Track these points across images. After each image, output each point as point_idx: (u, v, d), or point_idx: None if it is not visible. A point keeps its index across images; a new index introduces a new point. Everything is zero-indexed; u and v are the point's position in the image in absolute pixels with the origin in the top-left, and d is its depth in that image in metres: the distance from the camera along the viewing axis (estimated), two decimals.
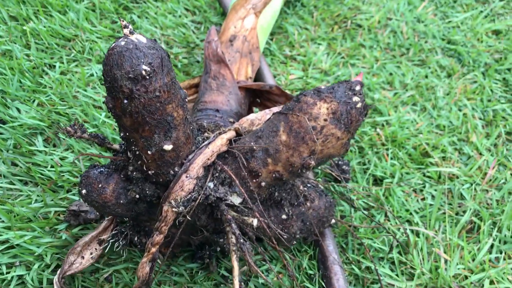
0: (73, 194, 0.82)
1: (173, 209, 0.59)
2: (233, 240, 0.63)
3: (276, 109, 0.73)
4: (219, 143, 0.63)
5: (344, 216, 0.85)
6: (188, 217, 0.60)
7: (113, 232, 0.74)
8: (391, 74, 1.10)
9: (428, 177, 0.91)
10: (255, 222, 0.65)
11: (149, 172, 0.61)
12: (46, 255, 0.74)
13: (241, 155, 0.63)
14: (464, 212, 0.86)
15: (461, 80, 1.10)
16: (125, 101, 0.54)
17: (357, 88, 0.63)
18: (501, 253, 0.82)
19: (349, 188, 0.87)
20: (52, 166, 0.84)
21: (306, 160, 0.62)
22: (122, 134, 0.58)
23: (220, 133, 0.65)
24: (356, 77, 0.67)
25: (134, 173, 0.62)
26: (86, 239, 0.73)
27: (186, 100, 0.59)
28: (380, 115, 1.00)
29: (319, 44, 1.15)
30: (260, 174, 0.63)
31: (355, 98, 0.62)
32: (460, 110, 1.04)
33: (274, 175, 0.63)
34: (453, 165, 0.93)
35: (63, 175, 0.83)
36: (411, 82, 1.08)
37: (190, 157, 0.61)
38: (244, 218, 0.64)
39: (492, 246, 0.83)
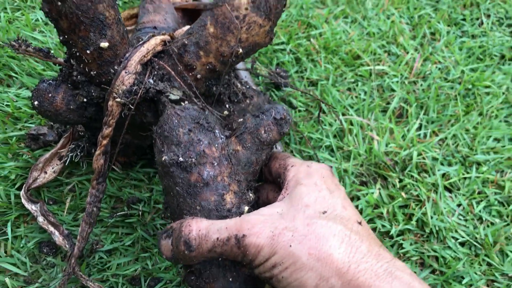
0: (31, 123, 0.87)
1: (116, 100, 0.65)
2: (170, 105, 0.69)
3: None
4: (154, 42, 0.69)
5: None
6: (132, 109, 0.66)
7: (71, 146, 0.80)
8: None
9: (360, 75, 0.99)
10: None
11: (92, 73, 0.66)
12: (11, 176, 0.79)
13: (175, 50, 0.69)
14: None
15: None
16: (59, 3, 0.60)
17: None
18: (427, 131, 0.91)
19: (288, 91, 0.95)
20: (8, 102, 0.89)
21: (234, 48, 0.69)
22: (61, 38, 0.64)
23: (154, 35, 0.71)
24: None
25: (79, 77, 0.68)
26: (47, 155, 0.79)
27: (116, 2, 0.65)
28: (314, 29, 1.07)
29: None
30: (195, 67, 0.70)
31: None
32: (388, 18, 1.12)
33: (208, 67, 0.70)
34: (383, 64, 1.02)
35: (20, 108, 0.88)
36: None
37: (127, 55, 0.67)
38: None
39: (420, 126, 0.92)
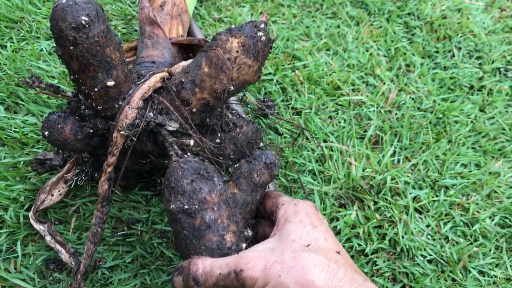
0: (38, 149, 0.94)
1: (121, 132, 0.73)
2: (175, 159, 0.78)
3: None
4: (154, 80, 0.78)
5: (272, 142, 1.01)
6: (134, 140, 0.74)
7: (76, 171, 0.88)
8: (307, 27, 1.26)
9: (340, 105, 1.08)
10: (191, 142, 0.80)
11: (98, 107, 0.74)
12: (20, 198, 0.87)
13: (173, 87, 0.77)
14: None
15: (368, 26, 1.27)
16: (71, 48, 0.68)
17: (261, 26, 0.78)
18: (400, 157, 1.00)
19: (274, 120, 1.03)
20: (15, 128, 0.96)
21: (226, 86, 0.77)
22: (72, 77, 0.72)
23: (154, 73, 0.79)
24: (261, 18, 0.82)
25: (86, 111, 0.76)
26: (54, 179, 0.86)
27: (121, 45, 0.74)
28: (299, 61, 1.16)
29: (243, 7, 1.30)
30: (190, 102, 0.78)
31: (260, 33, 0.77)
32: (367, 50, 1.22)
33: (202, 102, 0.78)
34: (361, 94, 1.11)
35: (27, 134, 0.96)
36: (325, 32, 1.24)
37: (130, 92, 0.76)
38: (183, 141, 0.79)
39: (394, 153, 1.01)
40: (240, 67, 0.77)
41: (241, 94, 1.07)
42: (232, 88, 0.78)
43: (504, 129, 1.09)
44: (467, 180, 0.98)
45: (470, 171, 1.00)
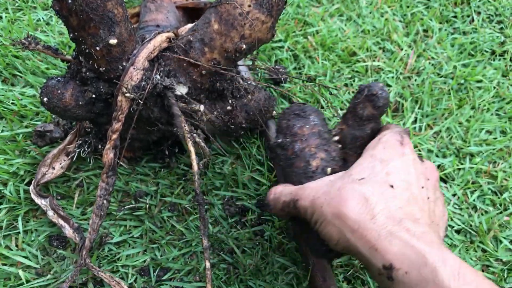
0: (37, 121, 0.89)
1: (126, 95, 0.67)
2: (186, 127, 0.72)
3: None
4: (160, 39, 0.72)
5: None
6: (141, 104, 0.69)
7: (78, 142, 0.82)
8: None
9: (357, 71, 1.02)
10: (201, 107, 0.74)
11: (100, 69, 0.69)
12: (20, 172, 0.81)
13: (181, 46, 0.72)
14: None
15: None
16: (69, 1, 0.62)
17: None
18: (422, 124, 0.94)
19: (287, 87, 0.97)
20: (13, 101, 0.91)
21: (238, 44, 0.71)
22: (71, 35, 0.66)
23: (159, 32, 0.73)
24: None
25: (88, 73, 0.70)
26: (55, 151, 0.81)
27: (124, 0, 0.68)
28: (311, 27, 1.10)
29: None
30: (200, 63, 0.72)
31: None
32: (382, 16, 1.15)
33: (212, 63, 0.72)
34: (378, 61, 1.05)
35: (25, 106, 0.90)
36: None
37: (135, 52, 0.70)
38: (192, 106, 0.74)
39: (415, 120, 0.95)
40: (253, 23, 0.71)
41: (250, 62, 1.01)
42: (244, 46, 0.72)
43: None
44: (492, 147, 0.92)
45: (496, 138, 0.94)
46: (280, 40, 1.06)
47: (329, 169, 0.65)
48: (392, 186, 0.55)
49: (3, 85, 0.94)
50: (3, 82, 0.95)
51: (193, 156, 0.69)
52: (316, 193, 0.58)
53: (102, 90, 0.71)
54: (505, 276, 0.77)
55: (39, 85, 0.94)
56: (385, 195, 0.54)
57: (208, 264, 0.66)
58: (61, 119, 0.86)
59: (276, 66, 0.99)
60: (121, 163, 0.85)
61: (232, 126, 0.83)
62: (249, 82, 0.86)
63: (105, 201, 0.71)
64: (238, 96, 0.82)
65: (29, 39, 0.70)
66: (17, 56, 0.98)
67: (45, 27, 1.05)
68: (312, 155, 0.66)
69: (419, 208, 0.55)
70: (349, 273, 0.77)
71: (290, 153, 0.67)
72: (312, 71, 1.00)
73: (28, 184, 0.81)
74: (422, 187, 0.57)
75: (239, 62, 0.94)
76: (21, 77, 0.95)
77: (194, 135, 0.73)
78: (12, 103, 0.90)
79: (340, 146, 0.68)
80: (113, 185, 0.71)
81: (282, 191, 0.64)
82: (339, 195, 0.55)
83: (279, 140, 0.69)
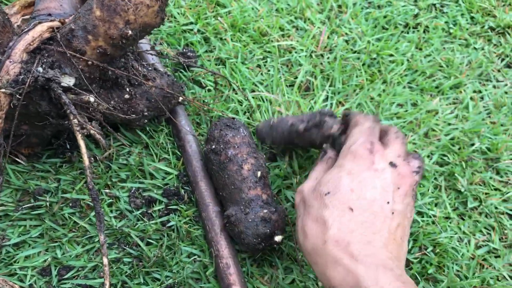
0: None
1: (2, 90, 0.64)
2: (75, 121, 0.69)
3: None
4: (40, 29, 0.68)
5: (195, 96, 0.93)
6: (20, 99, 0.65)
7: None
8: None
9: (269, 52, 1.01)
10: (91, 98, 0.71)
11: None
12: None
13: (63, 35, 0.68)
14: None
15: None
16: None
17: None
18: (333, 101, 0.94)
19: (196, 71, 0.95)
20: None
21: (123, 30, 0.68)
22: None
23: (40, 22, 0.69)
24: None
25: None
26: None
27: None
28: (223, 8, 1.08)
29: None
30: (85, 52, 0.69)
31: None
32: None
33: (98, 51, 0.69)
34: (291, 40, 1.04)
35: None
36: None
37: (11, 44, 0.66)
38: (82, 97, 0.71)
39: (326, 98, 0.95)
40: (137, 7, 0.68)
41: (160, 47, 0.98)
42: (130, 32, 0.69)
43: (441, 66, 1.03)
44: (403, 120, 0.93)
45: (406, 111, 0.95)
46: (191, 23, 1.03)
47: (259, 173, 0.75)
48: (351, 209, 0.57)
49: None
50: None
51: (83, 150, 0.67)
52: (303, 191, 0.64)
53: None
54: None
55: None
56: (342, 219, 0.56)
57: (105, 260, 0.64)
58: None
59: (184, 49, 0.96)
60: (19, 160, 0.81)
61: (133, 115, 0.80)
62: (149, 69, 0.83)
63: None
64: (136, 83, 0.80)
65: None
66: None
67: None
68: (244, 160, 0.75)
69: (375, 228, 0.56)
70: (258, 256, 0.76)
71: (224, 158, 0.76)
72: (223, 54, 0.98)
73: None
74: (388, 202, 0.58)
75: (145, 48, 0.91)
76: None
77: (89, 127, 0.70)
78: None
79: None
80: (1, 185, 0.68)
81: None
82: (307, 212, 0.60)
83: (213, 146, 0.77)
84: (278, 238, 0.72)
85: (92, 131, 0.70)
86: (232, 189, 0.74)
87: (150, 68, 0.83)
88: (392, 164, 0.60)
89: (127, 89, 0.78)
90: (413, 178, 0.61)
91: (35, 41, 0.67)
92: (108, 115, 0.78)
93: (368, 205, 0.57)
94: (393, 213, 0.57)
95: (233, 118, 0.82)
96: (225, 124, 0.80)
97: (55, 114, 0.73)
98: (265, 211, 0.71)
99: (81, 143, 0.67)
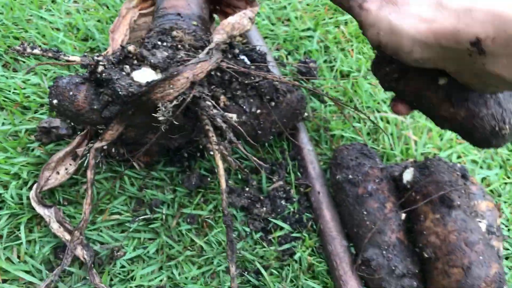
0: (42, 114, 0.80)
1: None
2: (214, 138, 0.63)
3: (249, 11, 0.72)
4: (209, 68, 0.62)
5: (316, 112, 0.86)
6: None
7: (90, 145, 0.73)
8: None
9: None
10: (234, 116, 0.65)
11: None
12: (22, 173, 0.73)
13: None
14: None
15: None
16: None
17: None
18: None
19: (318, 84, 0.88)
20: (15, 89, 0.81)
21: None
22: None
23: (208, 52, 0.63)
24: None
25: (104, 74, 0.61)
26: (60, 154, 0.72)
27: None
28: (342, 15, 1.00)
29: None
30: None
31: None
32: None
33: None
34: None
35: (28, 97, 0.81)
36: None
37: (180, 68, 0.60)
38: (225, 114, 0.64)
39: None
40: None
41: (277, 53, 0.91)
42: None
43: None
44: None
45: None
46: (308, 29, 0.96)
47: (403, 215, 0.68)
48: None
49: (3, 70, 0.84)
50: (4, 67, 0.85)
51: (221, 171, 0.61)
52: None
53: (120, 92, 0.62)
54: None
55: (44, 72, 0.84)
56: None
57: None
58: None
59: (306, 60, 0.89)
60: (135, 165, 0.76)
61: (260, 132, 0.74)
62: (281, 81, 0.76)
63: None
64: (276, 98, 0.73)
65: (24, 45, 0.61)
66: (18, 38, 0.88)
67: (51, 5, 0.95)
68: (386, 198, 0.68)
69: None
70: None
71: (362, 191, 0.69)
72: (345, 66, 0.91)
73: (31, 188, 0.73)
74: None
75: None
76: (24, 62, 0.86)
77: (221, 147, 0.64)
78: (13, 92, 0.81)
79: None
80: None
81: None
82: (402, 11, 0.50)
83: (350, 176, 0.70)
84: None
85: (224, 152, 0.65)
86: (371, 229, 0.67)
87: (281, 81, 0.76)
88: None
89: (265, 104, 0.72)
90: None
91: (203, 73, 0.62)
92: (237, 130, 0.72)
93: None
94: None
95: (365, 145, 0.76)
96: (359, 151, 0.73)
97: (190, 128, 0.67)
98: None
99: (220, 165, 0.61)
